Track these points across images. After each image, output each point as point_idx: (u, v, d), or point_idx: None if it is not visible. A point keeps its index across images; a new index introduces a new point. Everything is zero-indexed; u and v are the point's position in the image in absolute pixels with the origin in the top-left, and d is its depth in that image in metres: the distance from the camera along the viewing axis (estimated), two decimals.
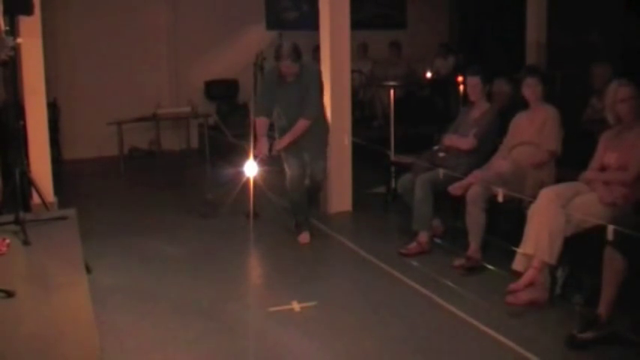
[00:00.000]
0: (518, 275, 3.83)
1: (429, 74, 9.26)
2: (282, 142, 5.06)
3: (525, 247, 3.80)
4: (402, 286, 4.24)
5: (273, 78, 5.04)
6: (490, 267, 4.39)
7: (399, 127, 6.52)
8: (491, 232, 4.50)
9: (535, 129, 4.52)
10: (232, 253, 4.97)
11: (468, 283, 4.21)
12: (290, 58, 4.86)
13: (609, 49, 7.05)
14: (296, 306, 3.90)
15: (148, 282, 4.34)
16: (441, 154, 5.01)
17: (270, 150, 5.04)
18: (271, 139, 5.12)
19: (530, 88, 4.56)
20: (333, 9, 5.78)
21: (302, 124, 4.97)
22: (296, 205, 5.25)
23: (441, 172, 4.64)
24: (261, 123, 5.08)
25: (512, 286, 3.79)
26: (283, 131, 5.12)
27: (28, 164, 4.99)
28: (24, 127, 5.15)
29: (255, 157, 5.00)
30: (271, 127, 5.18)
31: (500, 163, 4.55)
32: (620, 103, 3.86)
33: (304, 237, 5.19)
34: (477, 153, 4.83)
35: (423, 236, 4.79)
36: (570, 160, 4.44)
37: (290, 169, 5.17)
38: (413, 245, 4.79)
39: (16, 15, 4.57)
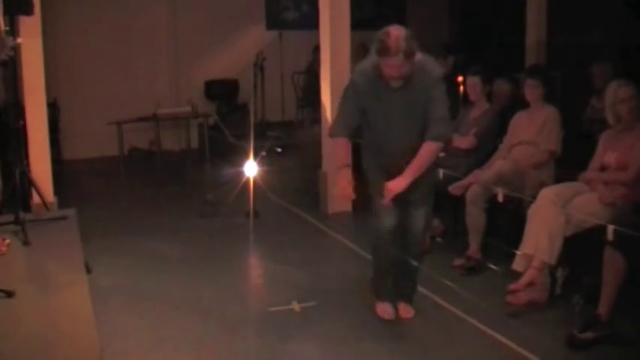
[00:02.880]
0: (518, 275, 3.83)
1: None
2: (401, 182, 3.41)
3: (525, 247, 3.80)
4: None
5: (368, 82, 3.47)
6: (490, 267, 4.39)
7: None
8: (491, 232, 4.50)
9: (535, 129, 4.52)
10: (232, 253, 4.97)
11: (468, 283, 4.21)
12: (402, 52, 3.25)
13: (609, 49, 7.04)
14: (296, 306, 3.90)
15: (148, 282, 4.34)
16: (441, 154, 5.00)
17: (353, 189, 3.49)
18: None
19: (531, 89, 4.57)
20: (333, 9, 5.78)
21: (429, 149, 3.42)
22: (382, 267, 3.81)
23: (441, 172, 4.64)
24: (342, 145, 3.54)
25: (513, 286, 3.79)
26: (380, 162, 3.64)
27: (28, 164, 5.00)
28: (24, 127, 5.15)
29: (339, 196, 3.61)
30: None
31: (500, 163, 4.55)
32: (620, 104, 3.87)
33: (385, 310, 3.75)
34: (477, 153, 4.83)
35: None
36: (570, 160, 4.44)
37: (381, 218, 3.64)
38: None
39: (16, 15, 4.57)
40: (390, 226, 3.62)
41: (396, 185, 3.42)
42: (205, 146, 8.40)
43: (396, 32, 3.28)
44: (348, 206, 5.97)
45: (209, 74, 9.30)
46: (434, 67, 3.48)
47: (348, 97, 3.57)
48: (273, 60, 8.96)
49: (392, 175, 3.48)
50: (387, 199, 3.46)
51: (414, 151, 3.45)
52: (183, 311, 3.87)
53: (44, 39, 5.49)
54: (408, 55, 3.27)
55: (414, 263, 3.76)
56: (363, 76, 3.51)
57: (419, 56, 3.37)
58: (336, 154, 3.61)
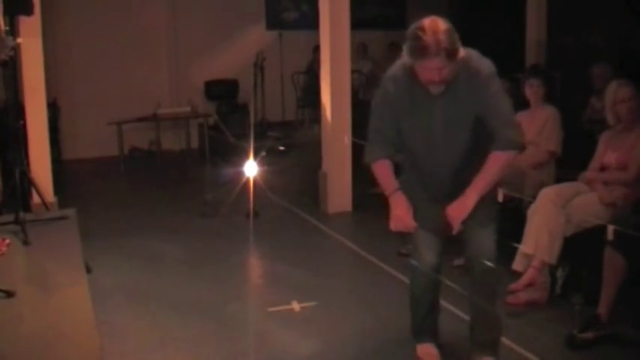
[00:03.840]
0: (518, 275, 3.83)
1: None
2: (465, 203, 2.77)
3: (525, 247, 3.80)
4: (401, 286, 4.22)
5: (401, 91, 2.85)
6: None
7: None
8: None
9: (535, 129, 4.53)
10: (232, 253, 4.96)
11: (468, 283, 4.20)
12: (444, 51, 2.58)
13: (609, 49, 7.05)
14: (296, 306, 3.90)
15: (148, 282, 4.34)
16: None
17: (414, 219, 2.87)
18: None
19: (533, 89, 4.57)
20: (333, 9, 5.77)
21: (499, 161, 2.76)
22: (422, 309, 3.29)
23: None
24: (384, 168, 2.94)
25: (512, 286, 3.79)
26: (419, 186, 3.00)
27: (28, 164, 5.00)
28: (24, 127, 5.15)
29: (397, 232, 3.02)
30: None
31: None
32: (620, 104, 3.87)
33: (427, 351, 3.25)
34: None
35: None
36: (570, 160, 4.45)
37: (420, 253, 3.13)
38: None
39: (16, 15, 4.57)
40: (429, 263, 3.08)
41: (459, 209, 2.77)
42: (205, 146, 8.41)
43: (434, 26, 2.60)
44: (348, 206, 5.98)
45: (209, 74, 9.30)
46: (481, 62, 2.74)
47: (383, 112, 2.94)
48: (273, 60, 8.96)
49: (437, 200, 2.90)
50: (455, 228, 2.80)
51: (461, 171, 2.85)
52: (183, 311, 3.87)
53: (44, 39, 5.49)
54: (451, 53, 2.59)
55: (489, 304, 3.09)
56: (394, 83, 2.86)
57: (461, 52, 2.66)
58: (379, 177, 2.95)
